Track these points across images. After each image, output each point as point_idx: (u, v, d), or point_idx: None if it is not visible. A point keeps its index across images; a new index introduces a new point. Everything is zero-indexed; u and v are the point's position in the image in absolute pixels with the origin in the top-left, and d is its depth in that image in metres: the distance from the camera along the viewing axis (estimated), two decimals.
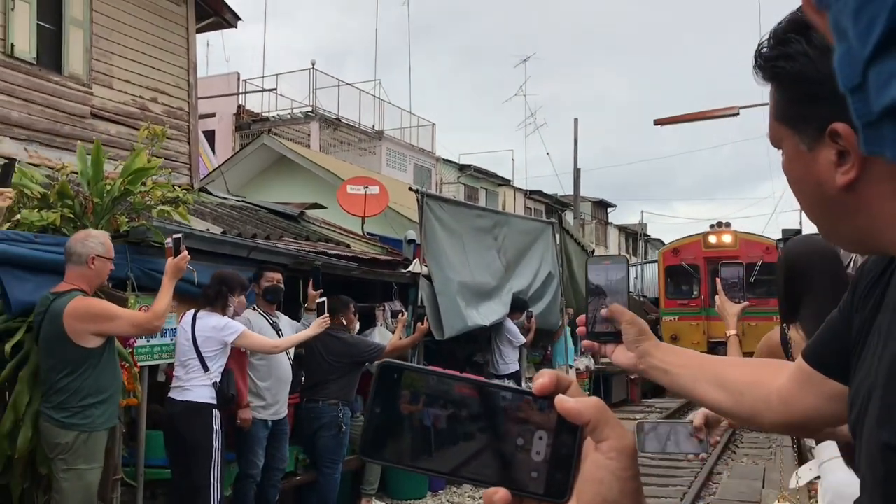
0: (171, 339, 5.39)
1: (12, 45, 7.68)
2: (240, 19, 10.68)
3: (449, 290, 9.17)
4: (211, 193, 9.38)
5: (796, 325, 2.56)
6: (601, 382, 14.07)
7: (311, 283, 6.62)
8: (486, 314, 9.87)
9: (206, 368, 5.12)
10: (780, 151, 1.01)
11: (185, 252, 4.46)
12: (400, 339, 7.32)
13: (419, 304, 8.75)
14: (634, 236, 37.76)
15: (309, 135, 20.27)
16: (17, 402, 4.38)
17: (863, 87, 0.46)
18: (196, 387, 5.12)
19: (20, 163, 5.60)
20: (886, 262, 1.01)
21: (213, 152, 17.47)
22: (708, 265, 16.23)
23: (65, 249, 4.28)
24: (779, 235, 11.98)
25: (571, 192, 24.31)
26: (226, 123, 19.93)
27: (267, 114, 20.90)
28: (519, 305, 10.61)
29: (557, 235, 12.91)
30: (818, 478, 2.69)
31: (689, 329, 16.19)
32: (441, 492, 7.86)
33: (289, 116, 20.86)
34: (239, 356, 5.63)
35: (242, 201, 9.91)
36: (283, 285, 6.15)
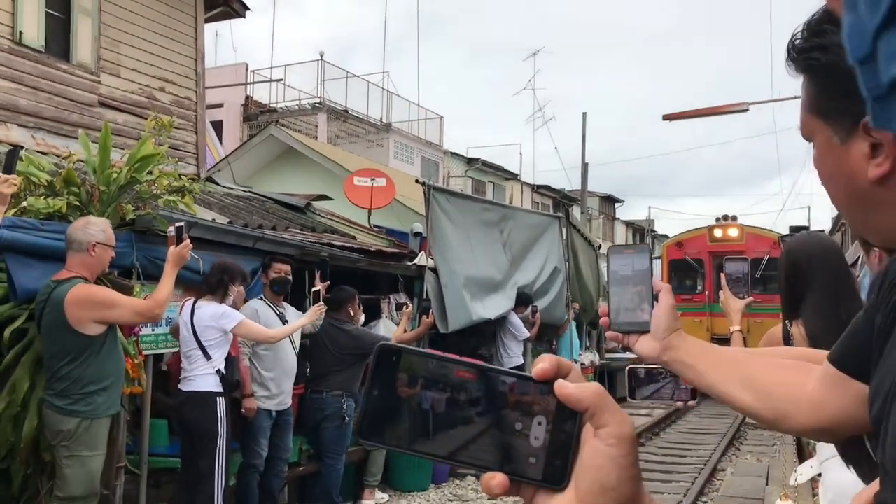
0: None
1: (20, 33, 7.69)
2: (248, 9, 10.67)
3: (454, 283, 9.16)
4: (217, 183, 9.39)
5: (798, 321, 2.54)
6: (606, 377, 14.07)
7: (318, 275, 6.62)
8: (491, 308, 9.87)
9: (208, 357, 5.13)
10: (811, 145, 1.00)
11: (188, 240, 4.47)
12: (405, 331, 7.33)
13: (424, 296, 8.75)
14: (642, 232, 37.69)
15: (316, 126, 20.27)
16: (17, 388, 4.39)
17: (872, 59, 0.45)
18: (199, 376, 5.14)
19: (27, 150, 5.61)
20: None
21: (221, 143, 17.49)
22: (713, 260, 15.91)
23: (65, 237, 4.28)
24: (787, 231, 11.91)
25: (579, 188, 24.27)
26: (233, 114, 19.94)
27: (275, 105, 20.91)
28: (524, 299, 10.60)
29: (564, 230, 12.89)
30: (819, 475, 2.68)
31: (692, 325, 16.05)
32: (444, 484, 7.87)
33: (296, 108, 20.86)
34: (236, 344, 5.65)
35: (249, 192, 9.92)
36: (290, 277, 6.16)
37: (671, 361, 1.37)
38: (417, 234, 9.98)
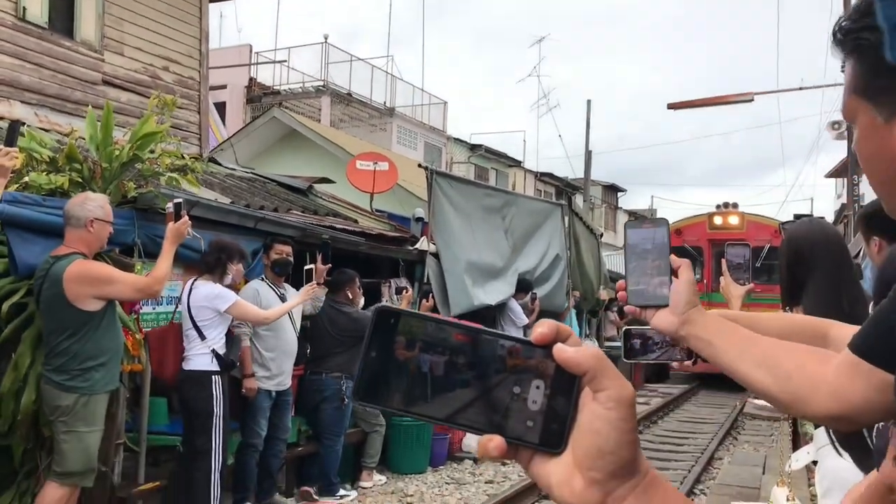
0: (172, 307, 5.42)
1: (24, 9, 7.66)
2: None
3: (456, 269, 9.17)
4: (220, 164, 9.37)
5: (798, 309, 2.54)
6: None
7: (319, 257, 6.63)
8: (492, 294, 9.88)
9: (202, 337, 5.15)
10: (854, 128, 0.99)
11: (186, 217, 4.46)
12: None
13: (425, 280, 8.76)
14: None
15: (320, 109, 20.22)
16: (19, 363, 4.40)
17: None
18: (195, 356, 5.17)
19: (29, 126, 5.60)
20: None
21: (224, 124, 17.45)
22: (712, 247, 15.54)
23: (63, 212, 4.27)
24: (791, 219, 11.77)
25: (582, 176, 24.22)
26: (237, 95, 19.88)
27: (278, 87, 20.84)
28: (524, 286, 10.61)
29: (566, 218, 12.88)
30: (815, 462, 2.69)
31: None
32: (441, 467, 7.90)
33: (300, 90, 20.80)
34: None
35: (251, 173, 9.90)
36: (291, 258, 6.16)
37: (689, 336, 1.36)
38: (419, 219, 9.98)
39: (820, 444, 2.56)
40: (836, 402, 1.25)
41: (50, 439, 4.39)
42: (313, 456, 6.76)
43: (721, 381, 14.58)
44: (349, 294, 6.92)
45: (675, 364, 1.98)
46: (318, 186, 10.64)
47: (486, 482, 7.44)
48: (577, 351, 0.59)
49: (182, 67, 9.43)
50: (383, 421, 7.30)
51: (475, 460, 8.24)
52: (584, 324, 14.00)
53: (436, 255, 8.96)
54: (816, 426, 2.63)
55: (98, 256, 4.58)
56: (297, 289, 6.34)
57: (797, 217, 3.62)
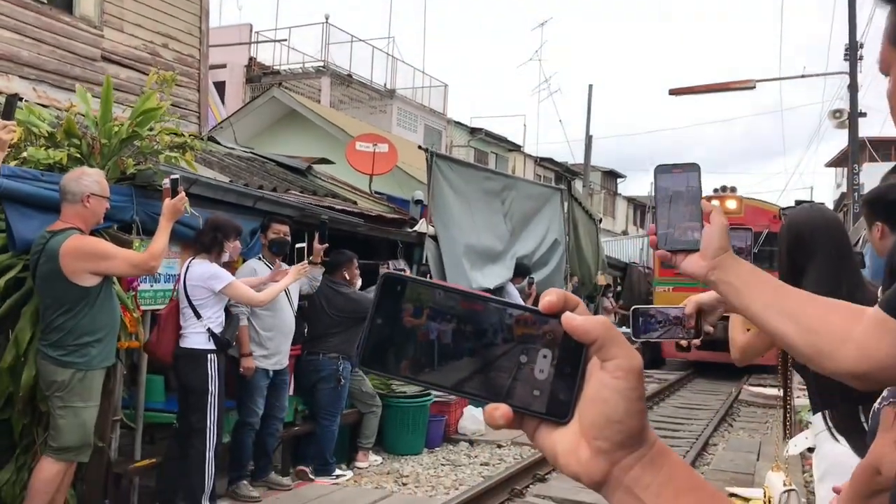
0: (170, 285, 5.42)
1: None
2: None
3: (455, 251, 9.17)
4: (219, 143, 9.33)
5: None
6: None
7: (317, 236, 6.61)
8: (489, 277, 9.88)
9: (198, 316, 5.15)
10: (888, 79, 0.98)
11: (183, 193, 4.44)
12: None
13: (423, 262, 8.76)
14: (643, 208, 37.63)
15: (320, 90, 20.12)
16: (19, 339, 4.40)
17: None
18: (191, 334, 5.17)
19: (28, 102, 5.56)
20: None
21: (223, 104, 17.37)
22: None
23: (59, 187, 4.24)
24: (793, 205, 11.70)
25: (581, 162, 24.17)
26: (236, 75, 19.78)
27: (278, 67, 20.73)
28: (521, 271, 10.61)
29: (566, 203, 12.87)
30: (813, 447, 2.69)
31: (683, 301, 15.74)
32: (437, 448, 7.93)
33: (300, 71, 20.69)
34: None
35: (250, 152, 9.86)
36: (289, 238, 6.15)
37: (718, 282, 1.34)
38: (418, 202, 9.96)
39: (817, 430, 2.57)
40: (862, 358, 1.24)
41: (47, 415, 4.39)
42: (309, 436, 6.78)
43: (717, 369, 14.63)
44: (347, 275, 6.92)
45: (682, 342, 1.98)
46: (317, 167, 10.61)
47: (481, 464, 7.47)
48: (586, 319, 0.59)
49: (182, 45, 9.37)
50: (380, 402, 7.32)
51: (471, 442, 8.28)
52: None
53: (434, 238, 8.96)
54: (814, 412, 2.64)
55: (96, 233, 4.57)
56: None
57: (798, 203, 3.61)
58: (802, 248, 2.55)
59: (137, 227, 4.99)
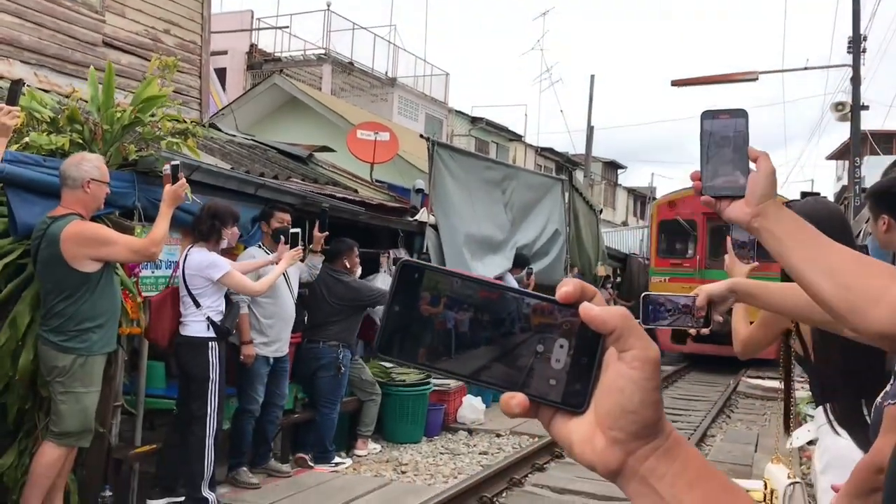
0: (171, 271, 5.42)
1: None
2: None
3: (455, 241, 9.17)
4: (220, 130, 9.32)
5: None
6: None
7: (317, 225, 6.61)
8: (489, 267, 9.89)
9: (197, 305, 5.15)
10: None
11: (183, 179, 4.43)
12: None
13: (424, 251, 8.76)
14: (643, 199, 37.61)
15: (321, 78, 20.07)
16: (17, 323, 4.40)
17: None
18: (191, 322, 5.18)
19: (29, 86, 5.54)
20: None
21: (224, 90, 17.33)
22: (707, 222, 14.79)
23: (59, 173, 4.24)
24: (798, 197, 11.52)
25: (582, 152, 24.13)
26: (237, 62, 19.72)
27: (279, 54, 20.67)
28: (520, 261, 10.61)
29: (566, 193, 12.86)
30: (815, 440, 2.70)
31: (680, 291, 15.51)
32: (436, 437, 7.95)
33: (301, 58, 20.63)
34: None
35: (251, 140, 9.85)
36: (291, 226, 6.14)
37: (761, 229, 1.31)
38: (419, 191, 9.96)
39: (820, 423, 2.57)
40: (894, 319, 1.22)
41: (48, 400, 4.40)
42: (309, 423, 6.79)
43: (714, 362, 14.64)
44: (347, 263, 6.92)
45: (691, 331, 1.98)
46: (318, 155, 10.59)
47: (480, 453, 7.49)
48: (604, 310, 0.59)
49: (183, 31, 9.34)
50: (379, 390, 7.33)
51: (469, 431, 8.30)
52: None
53: (435, 227, 8.96)
54: (816, 405, 2.64)
55: (98, 219, 4.56)
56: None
57: (804, 195, 3.61)
58: None
59: (139, 213, 4.99)
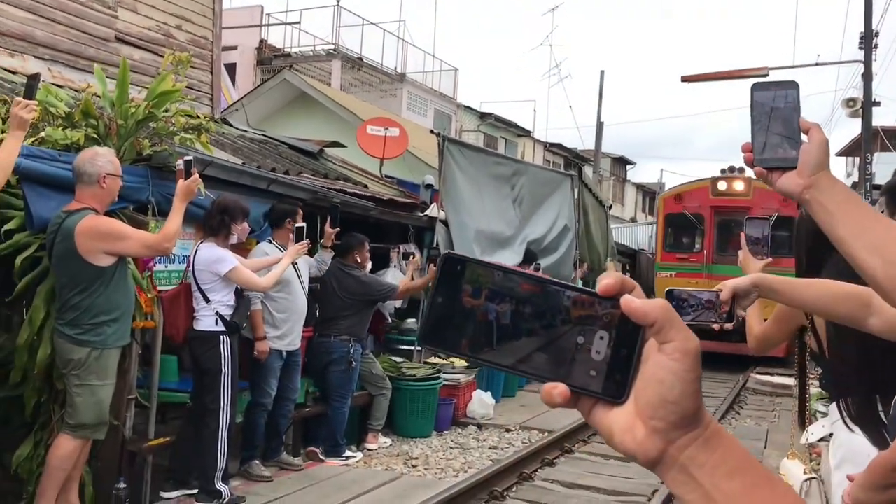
0: (184, 266, 5.45)
1: None
2: None
3: (465, 236, 9.18)
4: (231, 125, 9.34)
5: None
6: None
7: (328, 220, 6.63)
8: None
9: (206, 300, 5.17)
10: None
11: (196, 174, 4.46)
12: (412, 279, 7.36)
13: (434, 246, 8.78)
14: (652, 195, 37.52)
15: (330, 73, 20.09)
16: (34, 317, 4.44)
17: None
18: (202, 317, 5.22)
19: (44, 81, 5.57)
20: None
21: (234, 86, 17.36)
22: (715, 216, 14.47)
23: (73, 169, 4.27)
24: None
25: (590, 147, 24.09)
26: (247, 57, 19.76)
27: (289, 50, 20.69)
28: (528, 257, 10.61)
29: (576, 189, 12.84)
30: (829, 436, 2.71)
31: (687, 287, 15.16)
32: (446, 431, 7.98)
33: (311, 54, 20.66)
34: None
35: (262, 135, 9.87)
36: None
37: (812, 201, 1.29)
38: (429, 187, 9.96)
39: (834, 419, 2.58)
40: None
41: (63, 392, 4.44)
42: (320, 417, 6.82)
43: (722, 360, 14.60)
44: (358, 258, 6.94)
45: (714, 326, 1.99)
46: (328, 150, 10.61)
47: (490, 447, 7.51)
48: (645, 302, 0.60)
49: (195, 26, 9.35)
50: (389, 385, 7.36)
51: (479, 426, 8.32)
52: None
53: (445, 223, 8.97)
54: (830, 401, 2.65)
55: (112, 213, 4.60)
56: (309, 254, 6.33)
57: None
58: (825, 239, 2.54)
59: (153, 207, 5.01)
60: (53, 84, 6.23)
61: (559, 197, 12.22)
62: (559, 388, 0.61)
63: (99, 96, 5.21)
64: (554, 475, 6.68)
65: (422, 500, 5.25)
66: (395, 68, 21.81)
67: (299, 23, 20.77)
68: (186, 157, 4.50)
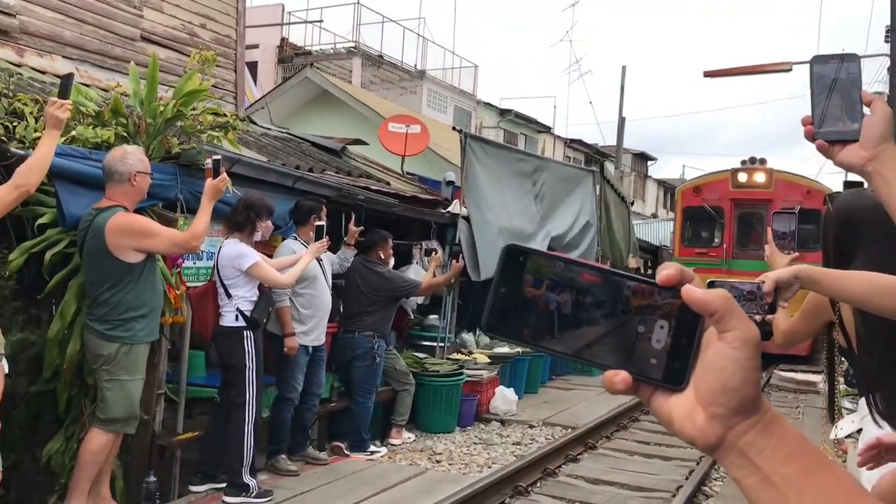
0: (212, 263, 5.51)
1: None
2: None
3: (488, 233, 9.19)
4: (255, 123, 9.42)
5: None
6: None
7: (353, 218, 6.67)
8: None
9: (228, 295, 5.22)
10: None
11: (225, 174, 4.52)
12: (434, 276, 7.39)
13: (456, 242, 8.81)
14: (673, 191, 37.27)
15: (351, 71, 20.15)
16: (65, 312, 4.52)
17: None
18: (225, 313, 5.28)
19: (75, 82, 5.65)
20: None
21: (256, 84, 17.46)
22: (735, 209, 14.08)
23: (103, 168, 4.34)
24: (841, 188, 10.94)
25: (611, 143, 23.98)
26: (269, 55, 19.87)
27: (310, 48, 20.78)
28: None
29: (598, 185, 12.81)
30: (858, 431, 2.70)
31: (704, 283, 14.82)
32: (469, 427, 8.00)
33: (331, 51, 20.73)
34: None
35: (286, 133, 9.94)
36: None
37: (874, 173, 1.28)
38: (450, 183, 9.98)
39: (863, 414, 2.57)
40: None
41: (94, 387, 4.52)
42: (345, 412, 6.88)
43: None
44: (381, 254, 6.99)
45: (756, 318, 2.00)
46: (350, 148, 10.66)
47: (513, 443, 7.53)
48: (706, 292, 0.62)
49: (219, 25, 9.44)
50: (413, 380, 7.40)
51: (502, 422, 8.34)
52: None
53: (467, 219, 8.99)
54: (858, 397, 2.64)
55: (142, 210, 4.67)
56: (331, 250, 6.36)
57: (847, 185, 3.58)
58: (853, 233, 2.53)
59: (181, 205, 5.07)
60: (81, 83, 6.32)
61: (581, 193, 12.20)
62: (621, 376, 0.63)
63: (127, 95, 5.27)
64: (578, 471, 6.68)
65: (447, 495, 5.27)
66: (415, 65, 21.84)
67: (321, 21, 20.86)
68: (215, 157, 4.56)
